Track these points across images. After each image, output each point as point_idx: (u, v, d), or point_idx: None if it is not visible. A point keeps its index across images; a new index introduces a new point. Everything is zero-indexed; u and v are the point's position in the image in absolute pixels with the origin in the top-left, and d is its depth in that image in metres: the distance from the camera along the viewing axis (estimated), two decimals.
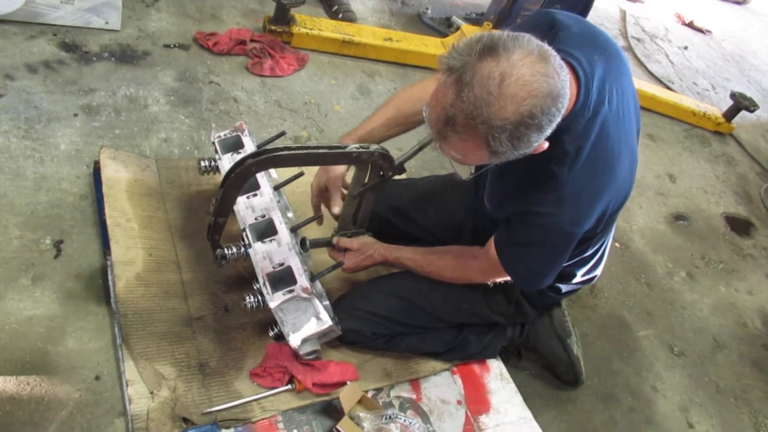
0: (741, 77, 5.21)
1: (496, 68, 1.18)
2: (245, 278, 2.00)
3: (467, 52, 1.21)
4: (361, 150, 1.63)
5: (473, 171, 1.82)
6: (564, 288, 1.90)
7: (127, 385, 1.65)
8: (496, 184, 1.67)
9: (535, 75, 1.19)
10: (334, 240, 1.93)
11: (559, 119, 1.26)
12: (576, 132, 1.41)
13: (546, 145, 1.31)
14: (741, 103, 4.05)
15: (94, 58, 2.63)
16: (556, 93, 1.22)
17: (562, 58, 1.38)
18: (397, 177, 1.82)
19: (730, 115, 4.13)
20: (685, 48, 5.22)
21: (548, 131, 1.26)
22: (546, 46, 1.24)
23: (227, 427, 1.68)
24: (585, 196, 1.47)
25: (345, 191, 1.90)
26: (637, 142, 1.61)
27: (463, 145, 1.28)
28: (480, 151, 1.27)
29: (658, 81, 4.51)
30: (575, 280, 1.87)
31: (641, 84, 4.11)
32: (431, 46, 3.48)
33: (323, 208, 1.98)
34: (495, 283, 1.83)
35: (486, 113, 1.19)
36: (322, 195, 1.94)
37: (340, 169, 1.86)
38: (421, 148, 1.69)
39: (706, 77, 4.93)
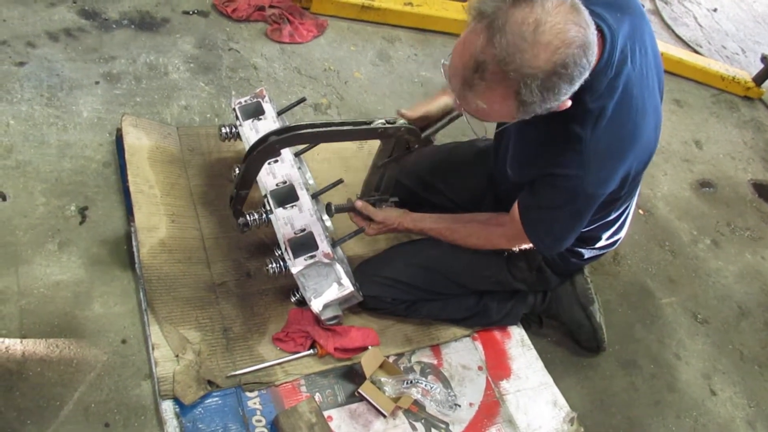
0: None
1: (531, 14, 1.16)
2: (267, 245, 2.01)
3: None
4: (387, 126, 1.62)
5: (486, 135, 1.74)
6: (587, 253, 1.88)
7: (153, 349, 1.68)
8: (518, 148, 1.64)
9: (569, 24, 1.17)
10: (359, 204, 1.86)
11: (587, 74, 1.24)
12: (599, 91, 1.38)
13: (569, 103, 1.29)
14: None
15: (114, 26, 2.62)
16: (587, 43, 1.20)
17: None
18: None
19: (760, 79, 4.00)
20: (714, 10, 5.05)
21: (577, 84, 1.24)
22: None
23: (251, 390, 1.71)
24: (608, 156, 1.45)
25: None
26: (661, 102, 1.57)
27: (490, 95, 1.25)
28: (507, 101, 1.25)
29: (686, 44, 4.38)
30: (599, 244, 1.85)
31: (668, 47, 4.00)
32: (452, 10, 3.41)
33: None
34: (520, 249, 1.82)
35: (519, 60, 1.17)
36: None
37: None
38: (450, 120, 1.66)
39: (735, 40, 4.77)
